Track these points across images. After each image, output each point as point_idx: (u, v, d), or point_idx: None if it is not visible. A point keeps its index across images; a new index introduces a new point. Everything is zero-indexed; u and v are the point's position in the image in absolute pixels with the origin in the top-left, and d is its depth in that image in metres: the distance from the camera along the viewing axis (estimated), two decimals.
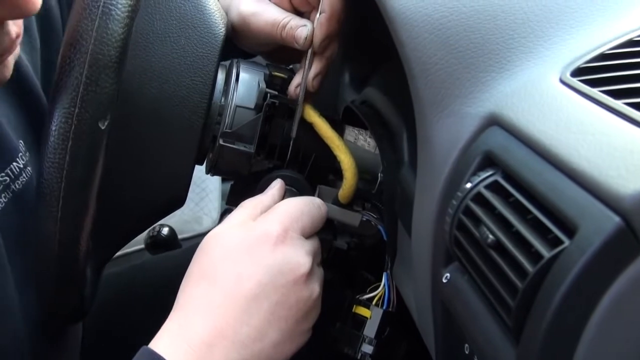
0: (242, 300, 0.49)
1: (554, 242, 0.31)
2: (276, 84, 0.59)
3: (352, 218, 0.60)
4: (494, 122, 0.40)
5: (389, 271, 0.58)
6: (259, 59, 0.65)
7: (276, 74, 0.59)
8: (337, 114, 0.71)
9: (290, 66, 0.66)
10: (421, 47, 0.44)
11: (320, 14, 0.55)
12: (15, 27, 0.41)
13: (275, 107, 0.58)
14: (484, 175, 0.38)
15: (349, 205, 0.60)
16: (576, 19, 0.42)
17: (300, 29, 0.56)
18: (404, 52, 0.46)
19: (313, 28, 0.55)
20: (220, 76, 0.58)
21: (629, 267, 0.28)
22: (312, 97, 0.60)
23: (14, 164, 0.53)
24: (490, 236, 0.35)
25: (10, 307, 0.51)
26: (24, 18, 0.40)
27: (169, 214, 0.60)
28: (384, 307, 0.57)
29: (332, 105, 0.80)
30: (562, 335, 0.30)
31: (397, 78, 0.52)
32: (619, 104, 0.34)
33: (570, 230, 0.30)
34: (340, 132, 0.61)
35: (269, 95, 0.58)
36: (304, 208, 0.55)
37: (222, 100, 0.58)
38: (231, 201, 0.65)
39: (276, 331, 0.50)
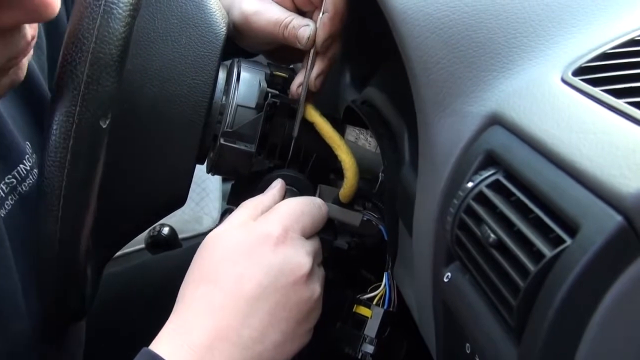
0: (242, 302, 0.49)
1: (556, 241, 0.31)
2: (277, 83, 0.59)
3: (353, 218, 0.60)
4: (495, 121, 0.40)
5: (389, 271, 0.58)
6: (260, 58, 0.65)
7: (277, 73, 0.59)
8: (338, 114, 0.71)
9: (291, 66, 0.66)
10: (423, 46, 0.44)
11: (323, 13, 0.55)
12: (31, 30, 0.41)
13: (276, 106, 0.58)
14: (485, 174, 0.37)
15: (349, 205, 0.60)
16: (578, 18, 0.42)
17: (303, 28, 0.55)
18: (405, 51, 0.46)
19: (316, 28, 0.55)
20: (221, 75, 0.58)
21: (631, 266, 0.28)
22: (313, 96, 0.60)
23: (21, 166, 0.53)
24: (492, 235, 0.35)
25: (17, 307, 0.51)
26: (41, 22, 0.40)
27: (169, 213, 0.60)
28: (385, 307, 0.57)
29: (333, 105, 0.80)
30: (564, 335, 0.30)
31: (397, 78, 0.52)
32: (620, 103, 0.34)
33: (572, 229, 0.30)
34: (341, 131, 0.61)
35: (270, 94, 0.58)
36: (305, 208, 0.55)
37: (223, 99, 0.58)
38: (232, 201, 0.65)
39: (277, 332, 0.49)
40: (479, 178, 0.38)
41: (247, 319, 0.48)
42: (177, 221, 1.18)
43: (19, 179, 0.53)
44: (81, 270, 0.48)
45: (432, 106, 0.44)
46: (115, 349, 0.78)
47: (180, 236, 1.12)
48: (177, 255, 1.00)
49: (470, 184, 0.38)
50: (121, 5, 0.41)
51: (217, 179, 1.43)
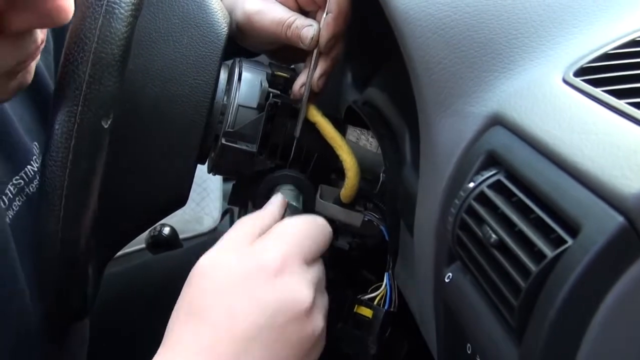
0: (234, 342, 0.44)
1: (557, 241, 0.31)
2: (279, 83, 0.59)
3: (354, 218, 0.60)
4: (497, 121, 0.40)
5: (390, 271, 0.58)
6: (261, 58, 0.65)
7: (279, 73, 0.59)
8: (339, 114, 0.71)
9: (292, 66, 0.66)
10: (424, 47, 0.44)
11: (326, 13, 0.55)
12: (41, 34, 0.41)
13: (277, 106, 0.58)
14: (486, 174, 0.38)
15: (351, 205, 0.60)
16: (579, 18, 0.42)
17: (306, 28, 0.55)
18: (407, 52, 0.46)
19: (319, 28, 0.55)
20: (223, 75, 0.58)
21: (632, 267, 0.28)
22: (315, 96, 0.60)
23: (29, 166, 0.53)
24: (493, 236, 0.35)
25: (23, 308, 0.51)
26: (53, 27, 0.40)
27: (171, 213, 0.60)
28: (386, 307, 0.57)
29: (334, 105, 0.80)
30: (565, 335, 0.30)
31: (399, 78, 0.52)
32: (622, 104, 0.34)
33: (573, 229, 0.30)
34: (343, 132, 0.61)
35: (271, 94, 0.58)
36: (307, 231, 0.50)
37: (225, 99, 0.58)
38: (233, 201, 0.65)
39: None
40: (480, 178, 0.38)
41: None
42: (178, 221, 1.18)
43: (27, 180, 0.53)
44: (83, 270, 0.48)
45: (434, 106, 0.44)
46: (116, 348, 0.78)
47: (180, 236, 1.12)
48: (177, 255, 1.00)
49: (471, 184, 0.38)
50: (123, 5, 0.41)
51: (217, 179, 1.44)
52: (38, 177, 0.54)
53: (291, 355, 0.45)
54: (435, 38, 0.44)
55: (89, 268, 0.49)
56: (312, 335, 0.47)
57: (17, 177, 0.52)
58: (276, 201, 0.54)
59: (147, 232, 1.07)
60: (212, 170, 0.61)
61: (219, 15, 0.56)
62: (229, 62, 0.61)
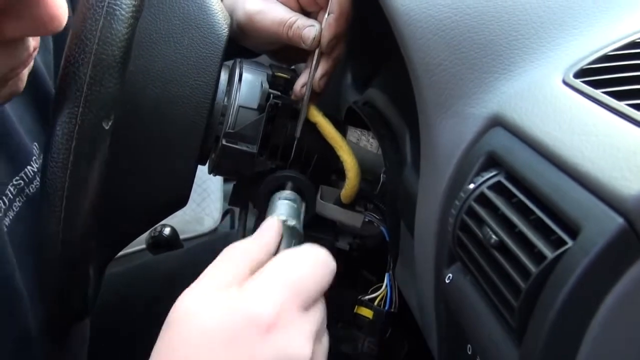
0: None
1: (557, 242, 0.31)
2: (279, 84, 0.59)
3: (355, 219, 0.60)
4: (497, 123, 0.40)
5: (391, 272, 0.58)
6: (262, 58, 0.65)
7: (279, 74, 0.59)
8: (340, 115, 0.71)
9: (293, 66, 0.66)
10: (425, 48, 0.44)
11: (328, 14, 0.55)
12: (34, 41, 0.41)
13: (278, 107, 0.58)
14: (487, 175, 0.38)
15: (351, 206, 0.60)
16: (579, 20, 0.42)
17: (308, 29, 0.55)
18: (407, 53, 0.46)
19: (321, 28, 0.55)
20: (223, 76, 0.58)
21: (632, 268, 0.28)
22: (317, 97, 0.60)
23: (28, 167, 0.53)
24: (494, 237, 0.35)
25: (21, 310, 0.51)
26: (46, 35, 0.39)
27: (171, 213, 0.60)
28: (386, 308, 0.57)
29: (335, 106, 0.80)
30: (565, 336, 0.30)
31: (399, 79, 0.52)
32: (622, 106, 0.34)
33: (573, 231, 0.31)
34: (343, 132, 0.61)
35: (271, 95, 0.58)
36: (306, 270, 0.43)
37: (225, 100, 0.58)
38: (233, 201, 0.65)
39: None
40: (480, 179, 0.38)
41: None
42: (179, 222, 1.19)
43: (27, 180, 0.53)
44: (84, 271, 0.48)
45: (434, 107, 0.44)
46: (116, 348, 0.78)
47: (181, 237, 1.13)
48: (178, 256, 1.00)
49: (471, 186, 0.38)
50: (124, 6, 0.41)
51: (218, 179, 1.44)
52: (38, 178, 0.54)
53: None
54: (436, 39, 0.44)
55: (90, 269, 0.49)
56: None
57: (18, 178, 0.52)
58: (270, 227, 0.48)
59: (147, 232, 1.08)
60: (213, 171, 0.61)
61: (220, 16, 0.56)
62: (230, 63, 0.61)
